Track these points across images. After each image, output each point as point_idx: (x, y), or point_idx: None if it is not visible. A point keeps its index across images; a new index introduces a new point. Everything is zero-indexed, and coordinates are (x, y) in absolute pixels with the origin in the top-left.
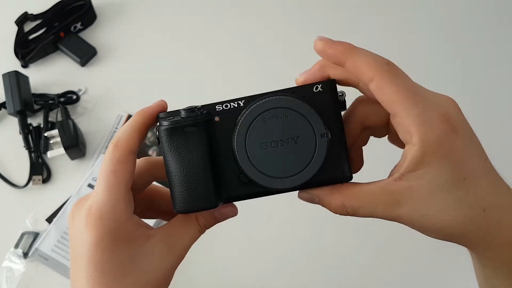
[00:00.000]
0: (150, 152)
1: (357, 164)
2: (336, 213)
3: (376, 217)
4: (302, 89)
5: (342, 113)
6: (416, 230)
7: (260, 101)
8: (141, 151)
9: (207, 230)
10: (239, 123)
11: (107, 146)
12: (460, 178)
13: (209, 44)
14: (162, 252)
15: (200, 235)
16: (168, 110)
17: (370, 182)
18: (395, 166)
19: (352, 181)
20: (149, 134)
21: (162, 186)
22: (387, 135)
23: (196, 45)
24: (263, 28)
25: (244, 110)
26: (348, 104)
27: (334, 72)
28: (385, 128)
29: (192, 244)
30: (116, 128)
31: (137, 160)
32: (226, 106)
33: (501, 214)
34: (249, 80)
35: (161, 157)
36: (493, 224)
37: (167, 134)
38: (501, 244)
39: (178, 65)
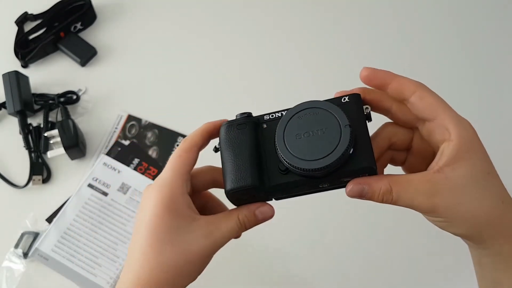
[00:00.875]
0: (150, 152)
1: None
2: (381, 200)
3: (414, 205)
4: (333, 100)
5: (369, 126)
6: (443, 224)
7: (297, 106)
8: (141, 151)
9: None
10: (280, 121)
11: (107, 146)
12: (486, 172)
13: (209, 43)
14: (203, 233)
15: (239, 231)
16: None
17: (411, 173)
18: (432, 163)
19: None
20: (149, 135)
21: (216, 197)
22: (402, 167)
23: (196, 45)
24: (264, 27)
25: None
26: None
27: (369, 97)
28: (404, 153)
29: (230, 235)
30: (116, 128)
31: (202, 166)
32: (272, 116)
33: (511, 207)
34: (249, 78)
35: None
36: (508, 216)
37: (224, 130)
38: None
39: (178, 65)
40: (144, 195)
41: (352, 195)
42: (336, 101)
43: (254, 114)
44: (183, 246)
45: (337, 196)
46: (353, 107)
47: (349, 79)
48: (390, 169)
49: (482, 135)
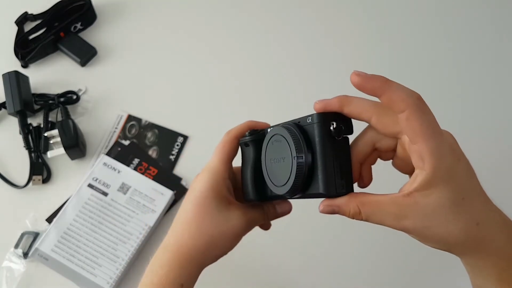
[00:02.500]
0: (150, 152)
1: (367, 180)
2: (353, 218)
3: (385, 225)
4: (302, 119)
5: (350, 139)
6: (418, 239)
7: (272, 128)
8: (141, 151)
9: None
10: (264, 142)
11: (107, 146)
12: (459, 198)
13: (209, 44)
14: (237, 215)
15: (264, 219)
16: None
17: (382, 194)
18: (405, 184)
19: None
20: (149, 135)
21: None
22: (391, 160)
23: (196, 45)
24: (264, 28)
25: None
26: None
27: (348, 110)
28: (391, 152)
29: (258, 221)
30: (116, 128)
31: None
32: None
33: (491, 228)
34: (250, 79)
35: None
36: (484, 236)
37: (241, 148)
38: (490, 254)
39: (178, 65)
40: (195, 177)
41: (324, 213)
42: (303, 121)
43: (255, 115)
44: (221, 220)
45: None
46: (317, 128)
47: (344, 82)
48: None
49: (478, 137)
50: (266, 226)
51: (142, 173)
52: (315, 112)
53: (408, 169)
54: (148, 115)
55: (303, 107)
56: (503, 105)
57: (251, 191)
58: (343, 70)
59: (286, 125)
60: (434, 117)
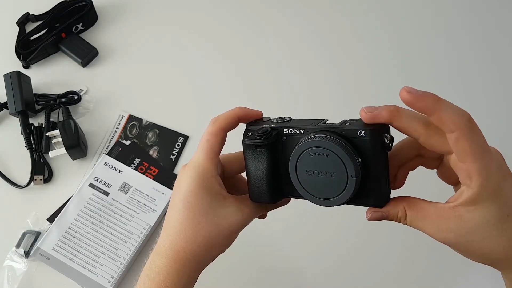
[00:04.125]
0: (151, 152)
1: (399, 183)
2: (398, 222)
3: (426, 233)
4: (350, 131)
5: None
6: (460, 253)
7: (309, 139)
8: (142, 151)
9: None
10: (293, 151)
11: (108, 146)
12: (504, 215)
13: (210, 44)
14: (233, 210)
15: (261, 212)
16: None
17: (428, 201)
18: (450, 197)
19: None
20: (150, 135)
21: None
22: (436, 170)
23: (197, 45)
24: (265, 28)
25: (300, 140)
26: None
27: (397, 124)
28: (436, 162)
29: (255, 214)
30: (117, 128)
31: (236, 152)
32: (291, 131)
33: None
34: (251, 78)
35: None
36: None
37: (245, 148)
38: None
39: (179, 65)
40: (180, 174)
41: (372, 220)
42: (352, 133)
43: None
44: (216, 220)
45: None
46: (370, 143)
47: (351, 82)
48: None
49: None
50: (262, 216)
51: (143, 173)
52: (367, 129)
53: (452, 181)
54: (149, 115)
55: (305, 107)
56: (504, 105)
57: (267, 195)
58: (350, 69)
59: (334, 139)
60: (483, 137)
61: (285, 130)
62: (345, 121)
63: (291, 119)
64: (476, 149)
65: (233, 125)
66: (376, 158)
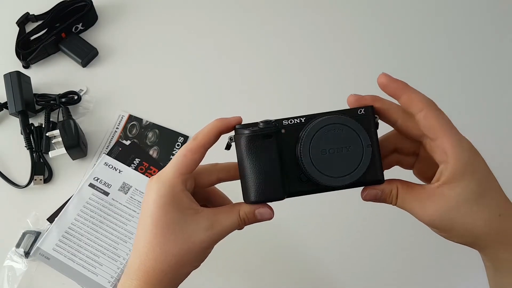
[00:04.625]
0: (151, 152)
1: None
2: (390, 202)
3: (413, 213)
4: (349, 111)
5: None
6: (444, 235)
7: (321, 118)
8: (142, 151)
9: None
10: (305, 134)
11: (108, 146)
12: (482, 190)
13: (210, 44)
14: (204, 226)
15: (238, 226)
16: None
17: (418, 184)
18: (434, 178)
19: None
20: (150, 135)
21: (220, 191)
22: (413, 170)
23: (197, 45)
24: (265, 28)
25: (307, 125)
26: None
27: (379, 105)
28: (411, 158)
29: (230, 229)
30: (117, 128)
31: (207, 164)
32: (291, 121)
33: (508, 220)
34: (250, 79)
35: (226, 162)
36: (506, 227)
37: (248, 140)
38: None
39: (179, 65)
40: (147, 187)
41: (368, 199)
42: (352, 112)
43: (256, 115)
44: (185, 237)
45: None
46: (368, 120)
47: (351, 82)
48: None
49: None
50: (240, 227)
51: (143, 173)
52: (365, 106)
53: (428, 176)
54: (149, 115)
55: (306, 107)
56: (504, 105)
57: (279, 189)
58: (350, 68)
59: (343, 115)
60: (448, 118)
61: (285, 122)
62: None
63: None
64: (444, 124)
65: (214, 140)
66: (374, 134)
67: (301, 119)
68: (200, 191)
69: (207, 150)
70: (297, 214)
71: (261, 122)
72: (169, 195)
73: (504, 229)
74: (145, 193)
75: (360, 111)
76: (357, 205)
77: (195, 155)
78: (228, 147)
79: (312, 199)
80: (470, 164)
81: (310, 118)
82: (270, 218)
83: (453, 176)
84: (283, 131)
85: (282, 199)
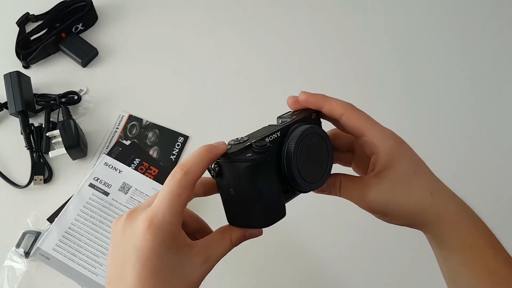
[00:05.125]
0: (151, 152)
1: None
2: (334, 194)
3: (353, 202)
4: (306, 117)
5: None
6: (382, 216)
7: (298, 131)
8: (142, 151)
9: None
10: (290, 150)
11: (108, 146)
12: (411, 172)
13: (209, 44)
14: (200, 260)
15: (227, 251)
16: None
17: (358, 176)
18: (368, 171)
19: None
20: (150, 135)
21: (192, 211)
22: (352, 165)
23: (196, 45)
24: (264, 28)
25: (286, 139)
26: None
27: (327, 105)
28: (348, 155)
29: (223, 255)
30: (117, 128)
31: (190, 211)
32: (271, 137)
33: (444, 197)
34: (250, 79)
35: (202, 177)
36: (439, 204)
37: (253, 168)
38: (448, 221)
39: (179, 66)
40: (130, 232)
41: (317, 192)
42: (309, 118)
43: (256, 115)
44: (186, 279)
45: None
46: (318, 123)
47: (351, 81)
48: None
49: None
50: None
51: (143, 173)
52: (315, 110)
53: (365, 168)
54: (149, 115)
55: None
56: (505, 104)
57: (283, 208)
58: (351, 68)
59: (309, 124)
60: (368, 115)
61: (267, 139)
62: (281, 117)
63: (246, 137)
64: (366, 121)
65: (204, 172)
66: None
67: (277, 133)
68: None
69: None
70: (302, 214)
71: (255, 145)
72: (169, 241)
73: (436, 206)
74: (126, 240)
75: (313, 115)
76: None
77: (188, 192)
78: (219, 175)
79: (316, 201)
80: (396, 151)
81: (282, 130)
82: (260, 235)
83: (383, 164)
84: (270, 145)
85: (284, 216)
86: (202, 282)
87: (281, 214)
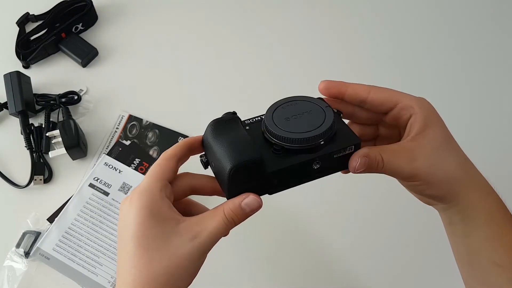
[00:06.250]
0: (151, 152)
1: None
2: (375, 168)
3: (398, 171)
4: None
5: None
6: (425, 184)
7: (276, 102)
8: (142, 151)
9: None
10: (265, 115)
11: (108, 146)
12: (448, 137)
13: (209, 44)
14: (188, 236)
15: (227, 228)
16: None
17: (391, 144)
18: (404, 134)
19: None
20: (150, 135)
21: (197, 201)
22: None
23: (196, 45)
24: (263, 29)
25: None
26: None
27: (350, 88)
28: (371, 128)
29: (218, 234)
30: (117, 128)
31: (180, 173)
32: (253, 119)
33: (475, 168)
34: (249, 79)
35: (199, 174)
36: (472, 171)
37: (213, 124)
38: (481, 193)
39: (179, 66)
40: (122, 208)
41: (359, 169)
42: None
43: (251, 114)
44: (171, 252)
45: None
46: (331, 109)
47: (348, 78)
48: None
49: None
50: (227, 229)
51: (143, 173)
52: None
53: (396, 139)
54: (149, 115)
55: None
56: (505, 104)
57: (254, 149)
58: (350, 68)
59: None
60: None
61: (247, 121)
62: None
63: None
64: (395, 91)
65: (184, 153)
66: (338, 119)
67: (262, 116)
68: (176, 205)
69: (179, 161)
70: (308, 203)
71: (224, 114)
72: (149, 207)
73: (473, 173)
74: (120, 215)
75: (326, 106)
76: (367, 194)
77: (169, 162)
78: (205, 165)
79: (322, 189)
80: (433, 112)
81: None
82: (259, 207)
83: (424, 123)
84: (247, 128)
85: (259, 160)
86: (199, 271)
87: (251, 152)
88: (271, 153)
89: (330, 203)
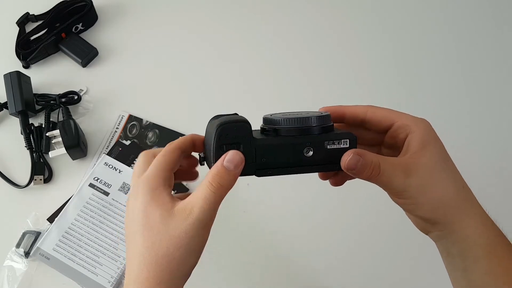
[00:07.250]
0: None
1: (340, 181)
2: (369, 174)
3: (391, 183)
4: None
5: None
6: (415, 203)
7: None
8: (142, 150)
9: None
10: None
11: (108, 146)
12: (446, 159)
13: (209, 44)
14: (183, 215)
15: (216, 196)
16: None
17: (389, 157)
18: (401, 153)
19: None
20: (150, 135)
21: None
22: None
23: (196, 46)
24: (264, 29)
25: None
26: None
27: (348, 109)
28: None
29: (209, 204)
30: (117, 128)
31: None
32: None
33: (471, 193)
34: (249, 79)
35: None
36: (470, 199)
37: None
38: (477, 222)
39: (179, 66)
40: (128, 203)
41: (349, 164)
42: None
43: (256, 115)
44: (169, 233)
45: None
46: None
47: (351, 81)
48: None
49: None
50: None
51: None
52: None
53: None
54: (149, 115)
55: (305, 106)
56: (505, 104)
57: (244, 119)
58: (350, 68)
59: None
60: None
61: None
62: None
63: None
64: (392, 110)
65: (188, 147)
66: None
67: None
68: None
69: (182, 154)
70: (298, 210)
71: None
72: (152, 192)
73: (469, 200)
74: (127, 209)
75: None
76: (362, 201)
77: (173, 154)
78: (202, 160)
79: (317, 192)
80: (430, 133)
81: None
82: (242, 161)
83: (421, 142)
84: None
85: (245, 121)
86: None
87: (239, 118)
88: (263, 135)
89: (325, 215)
